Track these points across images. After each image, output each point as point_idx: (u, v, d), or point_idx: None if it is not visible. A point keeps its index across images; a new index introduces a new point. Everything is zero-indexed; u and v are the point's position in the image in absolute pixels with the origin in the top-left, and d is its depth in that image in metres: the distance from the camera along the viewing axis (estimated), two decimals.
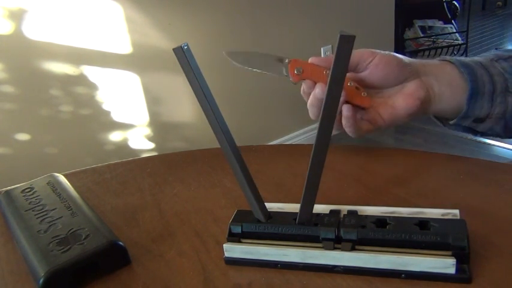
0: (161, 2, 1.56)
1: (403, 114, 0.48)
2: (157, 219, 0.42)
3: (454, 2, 3.09)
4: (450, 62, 0.49)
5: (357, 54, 0.47)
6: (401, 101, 0.48)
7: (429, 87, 0.48)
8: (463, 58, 0.50)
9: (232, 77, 1.80)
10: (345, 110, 0.46)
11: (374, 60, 0.46)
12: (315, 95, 0.46)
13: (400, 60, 0.47)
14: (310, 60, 0.46)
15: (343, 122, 0.46)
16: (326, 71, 0.46)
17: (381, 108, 0.48)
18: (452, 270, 0.29)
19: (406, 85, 0.48)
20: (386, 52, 0.47)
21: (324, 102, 0.28)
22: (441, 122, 0.53)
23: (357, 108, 0.47)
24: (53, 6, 1.35)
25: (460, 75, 0.48)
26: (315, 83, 0.46)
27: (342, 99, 0.46)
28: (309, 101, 0.47)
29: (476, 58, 0.50)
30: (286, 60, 0.47)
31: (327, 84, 0.27)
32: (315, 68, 0.46)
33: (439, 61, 0.50)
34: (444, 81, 0.48)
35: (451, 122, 0.50)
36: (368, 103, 0.47)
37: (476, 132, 0.51)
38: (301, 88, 0.47)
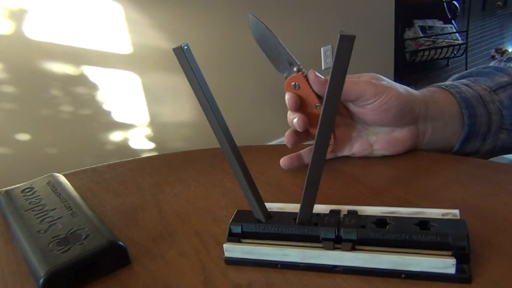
0: (161, 2, 1.56)
1: (376, 155, 0.47)
2: (157, 219, 0.42)
3: (454, 2, 3.09)
4: (453, 96, 0.47)
5: (361, 88, 0.42)
6: (383, 144, 0.46)
7: (422, 134, 0.47)
8: (465, 88, 0.48)
9: (232, 77, 1.80)
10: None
11: (373, 104, 0.43)
12: (294, 124, 0.44)
13: (401, 107, 0.43)
14: (309, 73, 0.43)
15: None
16: (317, 105, 0.43)
17: (357, 141, 0.47)
18: (452, 270, 0.29)
19: (398, 130, 0.46)
20: (392, 93, 0.43)
21: (323, 102, 0.28)
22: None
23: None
24: (53, 6, 1.35)
25: (459, 116, 0.46)
26: (298, 104, 0.44)
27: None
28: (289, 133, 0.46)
29: (477, 87, 0.48)
30: (295, 69, 0.44)
31: (327, 84, 0.27)
32: (310, 95, 0.43)
33: (443, 93, 0.47)
34: (440, 127, 0.47)
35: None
36: (328, 152, 0.45)
37: None
38: (287, 97, 0.44)
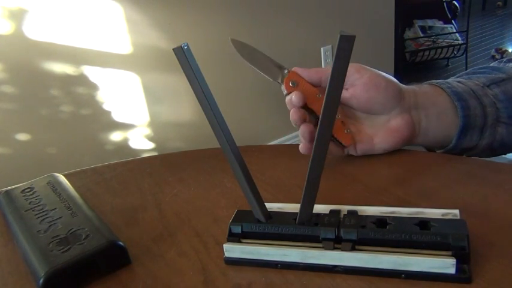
0: (161, 2, 1.56)
1: (379, 149, 0.47)
2: (157, 219, 0.42)
3: (454, 2, 3.09)
4: (444, 90, 0.47)
5: None
6: (382, 135, 0.46)
7: (417, 122, 0.47)
8: (457, 84, 0.48)
9: (232, 77, 1.80)
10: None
11: (361, 79, 0.44)
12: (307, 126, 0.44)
13: (390, 85, 0.45)
14: (293, 69, 0.46)
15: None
16: (319, 95, 0.45)
17: (357, 137, 0.47)
18: (452, 270, 0.29)
19: (392, 119, 0.46)
20: (378, 73, 0.45)
21: (323, 102, 0.28)
22: (426, 149, 0.52)
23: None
24: (53, 6, 1.35)
25: (452, 108, 0.46)
26: (305, 97, 0.45)
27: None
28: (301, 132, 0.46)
29: (469, 83, 0.48)
30: (286, 71, 0.47)
31: (328, 84, 0.27)
32: (309, 88, 0.46)
33: (432, 87, 0.48)
34: (434, 116, 0.47)
35: (438, 151, 0.50)
36: (348, 142, 0.46)
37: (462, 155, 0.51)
38: (289, 97, 0.45)
